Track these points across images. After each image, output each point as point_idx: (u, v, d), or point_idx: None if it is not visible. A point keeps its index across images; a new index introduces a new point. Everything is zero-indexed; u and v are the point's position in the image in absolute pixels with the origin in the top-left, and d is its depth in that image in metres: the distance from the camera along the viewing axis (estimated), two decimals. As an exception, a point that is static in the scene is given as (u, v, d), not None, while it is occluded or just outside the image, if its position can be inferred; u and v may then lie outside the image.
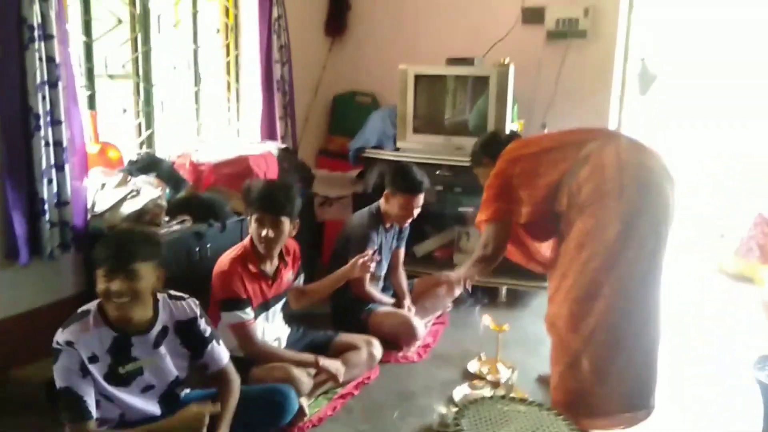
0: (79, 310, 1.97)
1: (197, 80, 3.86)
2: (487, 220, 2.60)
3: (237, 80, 4.16)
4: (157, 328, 2.02)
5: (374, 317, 3.28)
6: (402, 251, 3.64)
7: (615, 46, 4.21)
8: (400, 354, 3.21)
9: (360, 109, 4.66)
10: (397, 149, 4.06)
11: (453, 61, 3.98)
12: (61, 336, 1.89)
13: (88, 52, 3.18)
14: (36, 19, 2.59)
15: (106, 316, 1.94)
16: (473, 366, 3.05)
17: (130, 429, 1.99)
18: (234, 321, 2.60)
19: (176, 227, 2.99)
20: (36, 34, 2.59)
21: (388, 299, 3.45)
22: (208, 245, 3.08)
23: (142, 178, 3.01)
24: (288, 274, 2.89)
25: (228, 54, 4.11)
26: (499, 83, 3.79)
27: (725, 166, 5.51)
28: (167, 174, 3.12)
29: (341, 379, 2.77)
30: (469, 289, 2.92)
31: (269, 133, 4.10)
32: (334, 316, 3.45)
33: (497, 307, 3.85)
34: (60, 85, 2.71)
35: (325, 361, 2.74)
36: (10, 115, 2.59)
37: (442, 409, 2.57)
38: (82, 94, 3.13)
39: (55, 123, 2.72)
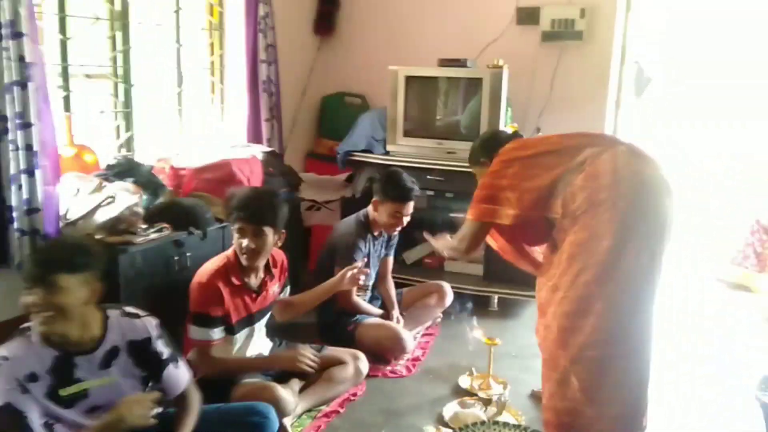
0: (22, 326, 1.82)
1: (180, 81, 3.72)
2: (471, 217, 2.54)
3: (222, 81, 4.02)
4: (105, 347, 1.87)
5: (361, 329, 3.16)
6: (391, 259, 3.52)
7: (612, 48, 4.10)
8: (388, 368, 3.09)
9: (349, 111, 4.54)
10: (387, 153, 3.95)
11: (445, 62, 3.86)
12: (0, 351, 1.76)
13: (64, 51, 3.03)
14: (4, 16, 2.45)
15: (48, 336, 1.79)
16: (464, 381, 2.94)
17: None
18: (198, 337, 2.49)
19: (154, 235, 2.85)
20: (5, 32, 2.46)
21: (375, 310, 3.33)
22: (188, 254, 2.94)
23: (119, 183, 2.87)
24: (274, 287, 2.76)
25: (212, 53, 3.97)
26: (493, 85, 3.68)
27: (724, 168, 5.43)
28: (145, 179, 2.99)
29: (304, 367, 2.67)
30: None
31: (255, 136, 3.97)
32: (320, 327, 3.32)
33: (489, 317, 3.73)
34: (31, 85, 2.57)
35: (281, 354, 2.69)
36: (-24, 118, 2.46)
37: (431, 430, 2.46)
38: (57, 95, 2.99)
39: (26, 126, 2.57)
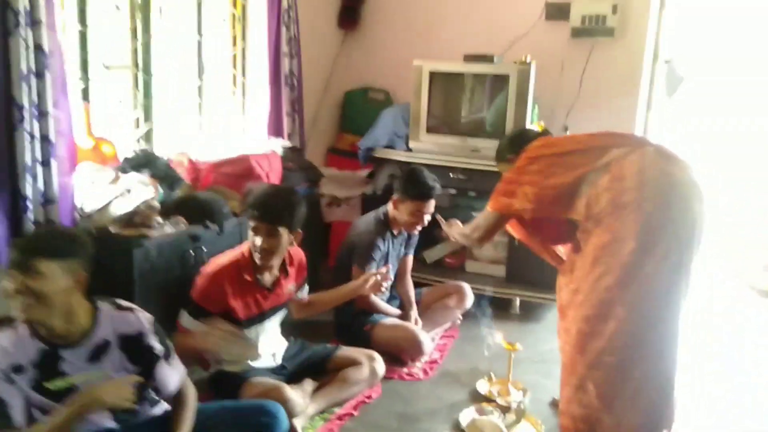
0: (9, 316, 1.79)
1: (200, 73, 3.67)
2: (488, 208, 2.52)
3: (243, 74, 3.97)
4: (94, 341, 1.81)
5: (378, 330, 3.08)
6: (410, 258, 3.44)
7: (644, 45, 3.97)
8: (405, 370, 3.01)
9: (372, 106, 4.46)
10: (409, 149, 3.87)
11: (471, 58, 3.77)
12: None
13: (83, 41, 3.00)
14: (23, 4, 2.41)
15: (35, 328, 1.76)
16: (482, 387, 2.85)
17: None
18: (184, 323, 2.46)
19: (170, 229, 2.81)
20: (22, 20, 2.42)
21: (393, 310, 3.26)
22: (204, 249, 2.89)
23: (135, 176, 2.83)
24: (289, 285, 2.71)
25: (234, 46, 3.92)
26: (520, 82, 3.58)
27: (759, 171, 5.23)
28: (162, 172, 2.94)
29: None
30: None
31: (276, 130, 3.91)
32: (337, 326, 3.26)
33: (510, 320, 3.65)
34: (48, 75, 2.53)
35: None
36: (-7, 107, 2.43)
37: (447, 437, 2.38)
38: (76, 86, 2.96)
39: (42, 115, 2.54)
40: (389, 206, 3.18)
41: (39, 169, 2.56)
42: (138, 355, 1.88)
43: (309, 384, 2.66)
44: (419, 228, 3.20)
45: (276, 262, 2.56)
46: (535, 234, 2.63)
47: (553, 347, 2.93)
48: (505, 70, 3.67)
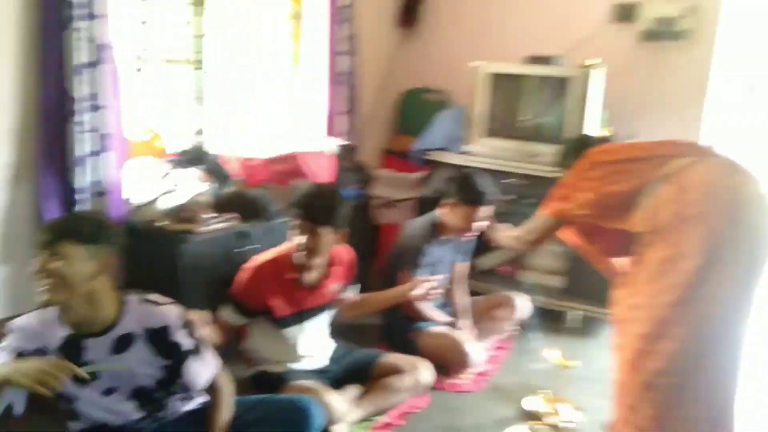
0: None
1: (256, 69, 3.65)
2: (543, 212, 2.46)
3: (299, 71, 3.93)
4: (118, 332, 1.78)
5: (423, 337, 2.98)
6: (464, 266, 3.31)
7: (715, 50, 3.74)
8: (453, 381, 2.90)
9: (429, 107, 4.35)
10: (465, 153, 3.75)
11: (531, 60, 3.63)
12: (16, 321, 1.75)
13: (140, 35, 3.01)
14: (79, -4, 2.42)
15: (63, 315, 1.76)
16: (532, 404, 2.71)
17: None
18: (222, 317, 2.47)
19: (218, 225, 2.79)
20: (78, 12, 2.43)
21: (442, 318, 3.14)
22: (252, 246, 2.86)
23: (186, 171, 2.83)
24: (334, 285, 2.63)
25: (291, 42, 3.88)
26: (581, 86, 3.43)
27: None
28: (213, 168, 2.93)
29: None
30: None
31: (330, 129, 3.86)
32: (385, 331, 3.18)
33: (567, 335, 3.48)
34: (103, 67, 2.54)
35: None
36: (47, 99, 2.46)
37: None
38: (131, 79, 2.97)
39: (95, 108, 2.55)
40: (441, 211, 3.07)
41: (91, 161, 2.58)
42: (165, 349, 1.84)
43: (352, 390, 2.59)
44: (471, 235, 3.07)
45: (319, 262, 2.50)
46: (591, 243, 2.53)
47: (611, 366, 2.76)
48: (566, 73, 3.51)
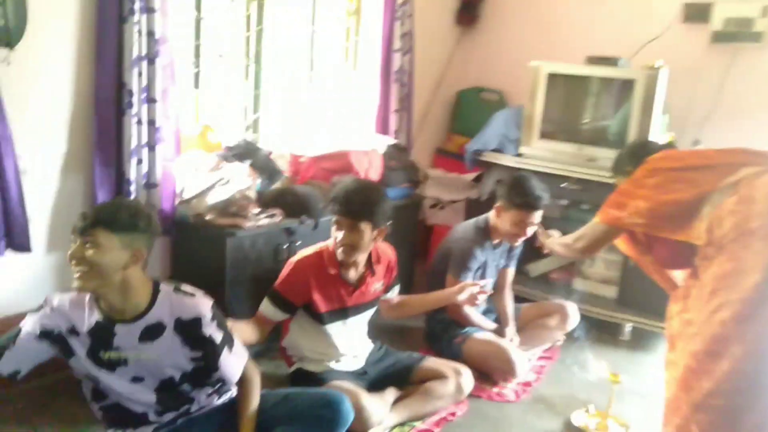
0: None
1: (311, 65, 3.65)
2: (596, 219, 2.36)
3: (354, 68, 3.91)
4: (148, 320, 1.79)
5: (470, 343, 2.91)
6: (511, 271, 3.23)
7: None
8: (495, 390, 2.82)
9: (485, 107, 4.27)
10: (520, 155, 3.65)
11: (594, 60, 3.50)
12: (54, 298, 1.78)
13: (197, 29, 3.04)
14: (138, -9, 2.46)
15: (97, 300, 1.78)
16: (578, 418, 2.61)
17: None
18: (261, 309, 2.44)
19: (265, 221, 2.79)
20: (137, 6, 2.47)
21: (488, 324, 3.06)
22: (298, 243, 2.86)
23: (236, 165, 2.84)
24: (375, 284, 2.60)
25: (347, 39, 3.86)
26: (647, 89, 3.28)
27: None
28: (262, 164, 2.94)
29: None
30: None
31: (383, 127, 3.83)
32: (428, 335, 3.13)
33: (618, 347, 3.35)
34: (159, 61, 2.58)
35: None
36: (104, 91, 2.51)
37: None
38: (187, 73, 3.01)
39: (150, 101, 2.59)
40: (492, 214, 2.99)
41: (144, 153, 2.62)
42: (195, 341, 1.84)
43: (391, 394, 2.55)
44: (521, 240, 2.98)
45: (360, 258, 2.47)
46: (647, 253, 2.41)
47: (662, 382, 2.64)
48: (630, 75, 3.37)
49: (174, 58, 2.66)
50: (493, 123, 3.83)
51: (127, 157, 2.56)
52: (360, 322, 2.62)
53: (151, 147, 2.63)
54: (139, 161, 2.61)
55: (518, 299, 3.35)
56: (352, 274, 2.51)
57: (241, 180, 2.76)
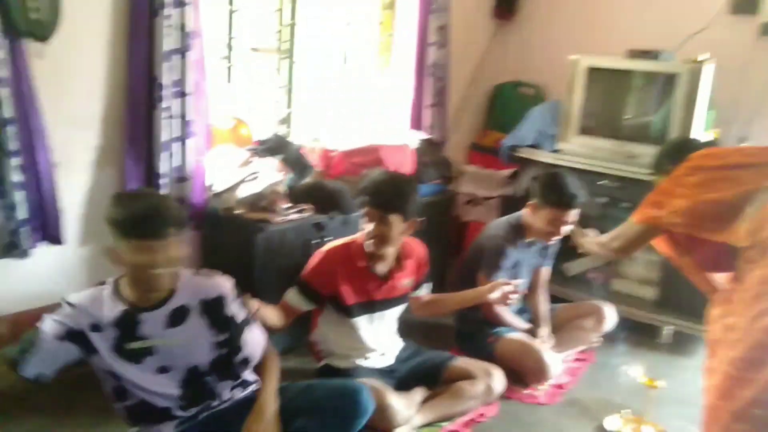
0: (98, 282, 1.86)
1: (345, 59, 3.62)
2: (633, 218, 2.29)
3: (388, 62, 3.87)
4: (173, 305, 1.80)
5: (502, 343, 2.84)
6: (547, 270, 3.15)
7: None
8: (527, 391, 2.76)
9: (522, 102, 4.18)
10: (557, 151, 3.56)
11: (635, 54, 3.38)
12: (71, 297, 1.78)
13: (230, 23, 3.04)
14: (170, -16, 2.46)
15: (119, 291, 1.79)
16: (612, 424, 2.53)
17: None
18: (286, 298, 2.44)
19: (294, 216, 2.78)
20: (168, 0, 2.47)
21: (522, 324, 2.99)
22: (328, 238, 2.83)
23: (266, 160, 2.83)
24: (404, 280, 2.56)
25: (382, 33, 3.82)
26: (690, 84, 3.16)
27: None
28: (294, 158, 2.92)
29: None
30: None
31: (416, 122, 3.78)
32: (459, 334, 3.07)
33: (657, 351, 3.24)
34: (190, 54, 2.58)
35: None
36: (135, 84, 2.52)
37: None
38: (220, 66, 3.00)
39: (182, 95, 2.60)
40: (526, 211, 2.92)
41: (175, 147, 2.63)
42: (220, 323, 1.86)
43: (419, 393, 2.51)
44: (556, 239, 2.90)
45: (389, 251, 2.43)
46: (685, 254, 2.31)
47: (701, 388, 2.54)
48: (673, 69, 3.25)
49: (205, 52, 2.65)
50: (530, 118, 3.75)
51: (158, 150, 2.57)
52: (388, 317, 2.58)
53: (182, 141, 2.64)
54: (171, 155, 2.61)
55: (554, 299, 3.27)
56: (381, 268, 2.48)
57: (272, 174, 2.75)
